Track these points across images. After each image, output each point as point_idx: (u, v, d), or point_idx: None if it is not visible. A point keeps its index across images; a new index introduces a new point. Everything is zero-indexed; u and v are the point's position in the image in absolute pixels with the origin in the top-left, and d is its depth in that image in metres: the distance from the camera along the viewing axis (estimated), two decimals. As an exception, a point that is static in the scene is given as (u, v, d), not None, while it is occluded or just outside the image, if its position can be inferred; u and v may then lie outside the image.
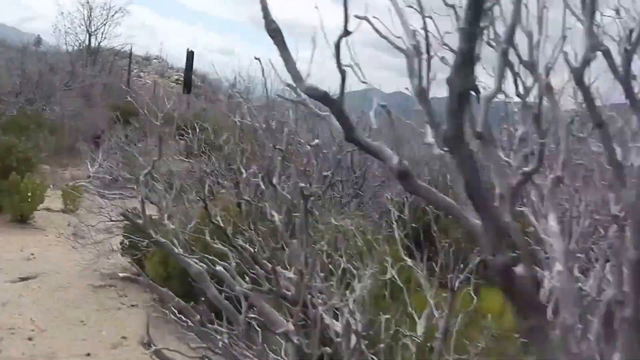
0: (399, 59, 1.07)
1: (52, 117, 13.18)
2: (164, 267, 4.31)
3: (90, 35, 24.47)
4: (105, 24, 24.59)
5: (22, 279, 4.96)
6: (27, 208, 6.59)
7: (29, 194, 6.59)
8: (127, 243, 5.38)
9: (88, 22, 24.18)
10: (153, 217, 6.17)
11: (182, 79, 34.97)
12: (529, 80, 1.35)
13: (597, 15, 1.19)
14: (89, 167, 11.18)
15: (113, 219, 6.04)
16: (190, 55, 24.72)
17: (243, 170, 2.88)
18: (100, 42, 24.88)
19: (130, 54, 26.10)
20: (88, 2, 23.84)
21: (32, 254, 5.66)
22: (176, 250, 2.18)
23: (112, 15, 24.53)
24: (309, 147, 3.13)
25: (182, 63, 27.92)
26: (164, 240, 2.28)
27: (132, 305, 4.69)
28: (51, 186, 8.24)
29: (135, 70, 31.83)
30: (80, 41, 24.13)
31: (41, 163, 10.72)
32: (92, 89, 18.08)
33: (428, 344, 2.10)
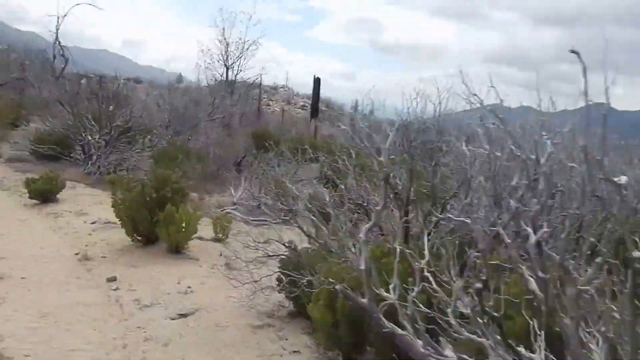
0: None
1: (197, 146, 14.36)
2: (332, 311, 3.98)
3: (227, 69, 27.36)
4: (240, 57, 27.40)
5: (181, 315, 5.01)
6: (182, 238, 6.85)
7: (184, 225, 6.85)
8: (284, 279, 5.24)
9: (225, 56, 27.31)
10: (310, 249, 6.09)
11: (307, 105, 37.81)
12: None
13: None
14: (233, 193, 11.77)
15: (268, 252, 6.03)
16: (317, 82, 26.39)
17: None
18: (237, 74, 27.86)
19: (260, 84, 29.21)
20: (225, 39, 26.80)
21: (189, 287, 5.76)
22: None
23: (247, 49, 27.39)
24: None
25: (306, 90, 31.63)
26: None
27: (295, 352, 4.44)
28: (203, 216, 8.61)
29: (264, 99, 35.04)
30: (219, 75, 27.21)
31: (189, 191, 11.53)
32: (231, 118, 19.54)
33: None
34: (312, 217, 5.81)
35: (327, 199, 5.69)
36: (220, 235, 8.14)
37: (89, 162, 12.29)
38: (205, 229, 8.09)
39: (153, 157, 12.14)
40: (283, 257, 5.80)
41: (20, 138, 15.62)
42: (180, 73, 36.47)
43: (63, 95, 14.20)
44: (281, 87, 48.86)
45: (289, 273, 5.12)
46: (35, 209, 9.18)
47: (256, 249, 6.02)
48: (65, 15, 28.64)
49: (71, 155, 14.01)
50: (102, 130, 12.79)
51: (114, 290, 5.43)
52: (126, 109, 13.77)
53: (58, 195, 9.72)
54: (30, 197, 9.47)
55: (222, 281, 6.04)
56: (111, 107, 12.94)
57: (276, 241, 6.29)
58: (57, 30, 29.03)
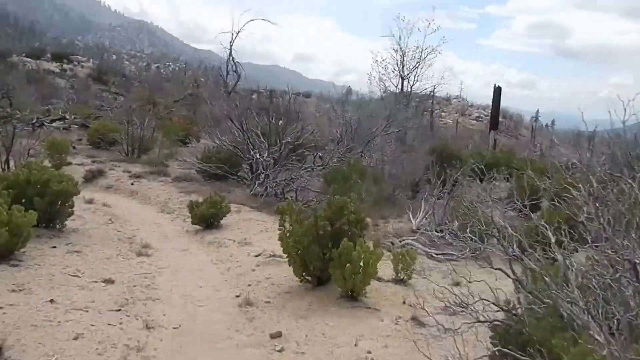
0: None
1: (370, 164, 13.73)
2: None
3: (402, 80, 26.76)
4: (417, 67, 26.70)
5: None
6: (360, 282, 5.97)
7: (361, 265, 5.97)
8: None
9: (401, 66, 26.69)
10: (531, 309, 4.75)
11: (482, 116, 36.48)
12: None
13: None
14: (412, 219, 10.77)
15: (467, 309, 4.85)
16: (497, 91, 24.95)
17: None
18: (412, 85, 27.36)
19: (433, 95, 29.26)
20: (400, 48, 26.32)
21: (369, 353, 4.82)
22: None
23: (424, 58, 26.94)
24: None
25: (481, 100, 29.95)
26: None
27: None
28: (383, 252, 7.74)
29: (436, 111, 34.44)
30: (393, 86, 26.84)
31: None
32: (406, 133, 18.66)
33: None
34: (523, 257, 4.55)
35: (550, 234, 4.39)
36: (403, 276, 7.15)
37: (256, 182, 12.24)
38: (383, 265, 7.16)
39: (324, 177, 11.69)
40: (496, 322, 4.59)
41: (189, 155, 16.55)
42: (349, 86, 37.13)
43: (233, 111, 14.60)
44: (454, 98, 47.77)
45: (512, 352, 3.88)
46: (197, 236, 9.14)
47: (449, 305, 4.86)
48: (239, 32, 30.81)
49: (238, 174, 14.30)
50: (271, 148, 12.74)
51: (279, 351, 4.69)
52: (297, 124, 13.66)
53: (222, 221, 9.61)
54: (194, 223, 9.50)
55: (409, 344, 5.00)
56: (281, 122, 12.85)
57: (482, 299, 5.09)
58: (231, 46, 31.26)
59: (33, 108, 22.83)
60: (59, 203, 8.17)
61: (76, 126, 23.93)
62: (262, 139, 13.74)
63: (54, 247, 7.52)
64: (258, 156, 12.35)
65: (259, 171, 12.65)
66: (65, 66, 62.40)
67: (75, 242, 7.90)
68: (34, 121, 21.14)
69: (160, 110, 21.03)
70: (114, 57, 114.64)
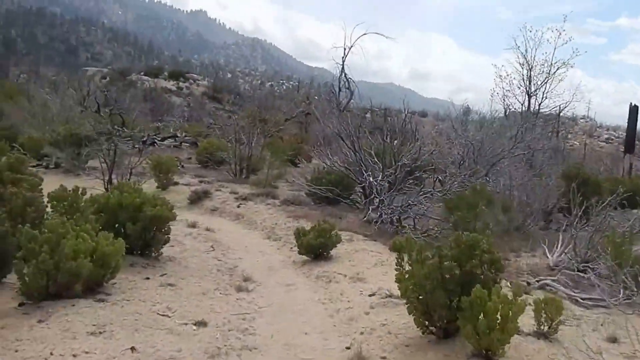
0: None
1: (496, 189, 12.70)
2: None
3: (529, 96, 25.23)
4: (546, 82, 25.47)
5: None
6: (498, 340, 5.14)
7: (498, 318, 5.14)
8: None
9: (527, 82, 25.20)
10: None
11: (612, 138, 34.29)
12: None
13: None
14: (548, 254, 9.64)
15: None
16: (633, 110, 22.90)
17: None
18: (540, 102, 25.86)
19: (559, 114, 27.19)
20: (527, 61, 24.80)
21: None
22: None
23: (553, 73, 25.38)
24: None
25: (611, 121, 27.83)
26: None
27: None
28: (509, 284, 6.86)
29: (562, 131, 32.68)
30: (519, 103, 25.67)
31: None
32: (533, 155, 17.30)
33: None
34: None
35: None
36: (547, 328, 6.18)
37: (370, 208, 11.68)
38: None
39: (446, 204, 10.88)
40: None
41: (298, 176, 16.37)
42: (467, 104, 35.91)
43: (345, 129, 14.20)
44: (582, 118, 44.73)
45: None
46: (304, 268, 8.70)
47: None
48: (351, 46, 30.74)
49: (350, 197, 13.83)
50: (385, 170, 12.15)
51: None
52: (413, 144, 12.99)
53: (332, 251, 9.11)
54: (300, 253, 9.09)
55: None
56: (396, 142, 12.23)
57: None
58: (343, 62, 31.26)
59: (145, 126, 24.03)
60: (154, 229, 8.06)
61: (187, 144, 24.85)
62: (375, 159, 13.21)
63: (147, 278, 7.28)
64: (372, 179, 11.78)
65: (372, 195, 12.09)
66: (181, 84, 65.97)
67: (170, 273, 7.69)
68: (144, 139, 22.17)
69: (270, 128, 21.20)
70: (229, 75, 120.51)
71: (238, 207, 13.10)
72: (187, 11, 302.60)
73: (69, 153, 16.52)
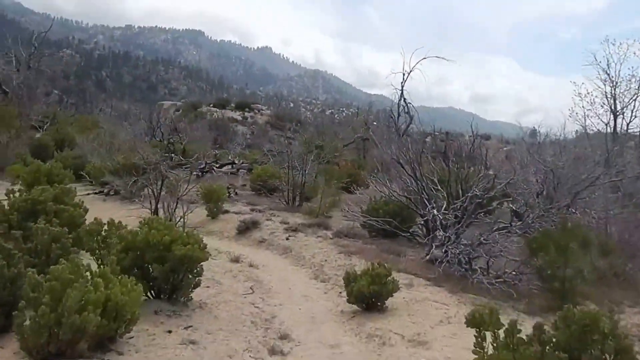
0: None
1: (588, 223, 10.26)
2: None
3: (615, 116, 22.05)
4: (635, 99, 22.05)
5: None
6: None
7: None
8: None
9: (612, 100, 22.01)
10: None
11: None
12: None
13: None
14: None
15: None
16: None
17: None
18: (630, 122, 22.54)
19: None
20: (610, 78, 21.71)
21: None
22: None
23: None
24: None
25: None
26: None
27: None
28: None
29: None
30: (603, 124, 22.37)
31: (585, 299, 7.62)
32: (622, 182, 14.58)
33: None
34: None
35: None
36: None
37: (433, 244, 9.59)
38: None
39: (528, 244, 8.64)
40: None
41: (354, 205, 14.43)
42: (534, 127, 32.92)
43: (404, 155, 12.21)
44: None
45: None
46: (353, 322, 6.71)
47: None
48: (411, 70, 28.72)
49: (411, 231, 11.81)
50: (451, 200, 10.06)
51: None
52: (484, 171, 10.87)
53: (388, 301, 7.07)
54: (350, 302, 7.10)
55: None
56: (464, 168, 10.14)
57: None
58: (402, 86, 29.25)
59: (203, 153, 22.75)
60: (183, 271, 6.32)
61: (244, 171, 23.36)
62: (439, 187, 11.17)
63: (169, 331, 5.63)
64: (435, 212, 9.69)
65: (436, 230, 10.01)
66: (246, 114, 66.59)
67: (197, 325, 5.95)
68: (202, 166, 20.84)
69: (326, 154, 19.47)
70: (292, 104, 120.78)
71: (287, 239, 11.25)
72: (253, 48, 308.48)
73: (126, 181, 15.28)
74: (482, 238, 8.85)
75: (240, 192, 17.62)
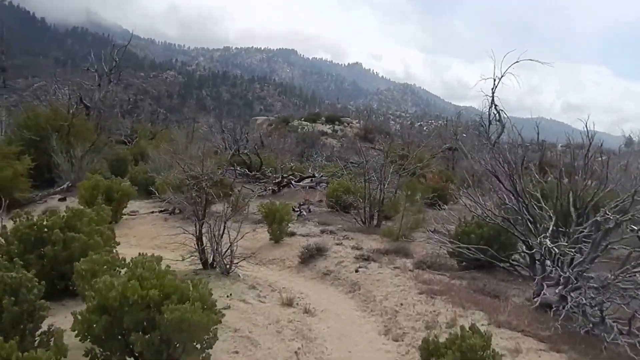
0: None
1: None
2: None
3: None
4: None
5: None
6: None
7: None
8: None
9: None
10: None
11: None
12: None
13: None
14: None
15: None
16: None
17: None
18: None
19: None
20: None
21: None
22: None
23: None
24: None
25: None
26: None
27: None
28: None
29: None
30: None
31: None
32: None
33: None
34: None
35: None
36: None
37: (544, 283, 6.97)
38: None
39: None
40: None
41: (440, 224, 11.91)
42: (629, 135, 28.99)
43: (500, 166, 9.62)
44: None
45: None
46: None
47: None
48: (502, 76, 25.52)
49: (511, 260, 9.19)
50: (567, 223, 7.38)
51: None
52: (606, 185, 8.07)
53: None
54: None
55: None
56: (586, 182, 7.43)
57: None
58: (493, 93, 26.06)
59: (282, 165, 20.98)
60: (183, 341, 4.23)
61: (324, 185, 21.33)
62: (543, 205, 8.56)
63: None
64: (548, 242, 7.05)
65: (544, 262, 7.39)
66: (336, 127, 65.45)
67: None
68: (278, 180, 19.04)
69: (410, 165, 17.03)
70: (381, 118, 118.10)
71: (356, 271, 8.95)
72: (344, 64, 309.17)
73: (187, 197, 13.65)
74: (619, 281, 6.11)
75: (314, 209, 15.54)
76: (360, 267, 9.04)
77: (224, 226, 8.13)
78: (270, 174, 19.73)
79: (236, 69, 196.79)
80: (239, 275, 7.59)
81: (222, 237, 7.93)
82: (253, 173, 20.13)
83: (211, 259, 7.83)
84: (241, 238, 7.84)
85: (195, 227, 8.27)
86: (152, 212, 14.13)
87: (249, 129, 35.47)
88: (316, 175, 21.92)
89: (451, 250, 9.65)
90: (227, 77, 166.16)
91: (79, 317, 3.87)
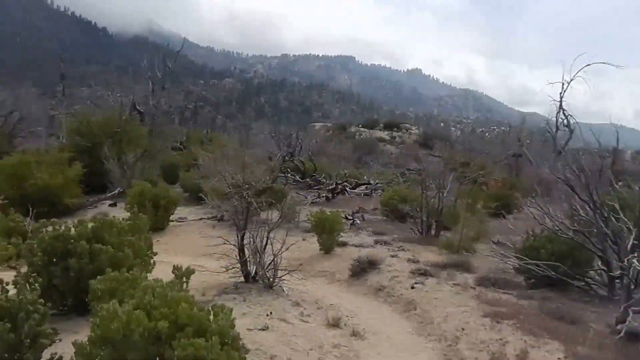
0: None
1: None
2: None
3: None
4: None
5: None
6: None
7: None
8: None
9: None
10: None
11: None
12: None
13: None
14: None
15: None
16: None
17: None
18: None
19: None
20: None
21: None
22: None
23: None
24: None
25: None
26: None
27: None
28: None
29: None
30: None
31: None
32: None
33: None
34: None
35: None
36: None
37: (629, 310, 6.02)
38: None
39: None
40: None
41: (505, 236, 10.97)
42: None
43: (574, 175, 8.64)
44: None
45: None
46: None
47: None
48: (572, 80, 23.98)
49: (586, 278, 8.20)
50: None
51: None
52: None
53: None
54: None
55: None
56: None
57: None
58: (561, 97, 24.55)
59: (335, 172, 20.36)
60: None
61: (380, 192, 20.58)
62: (619, 215, 7.55)
63: None
64: (636, 262, 6.10)
65: (624, 279, 6.42)
66: (394, 133, 64.62)
67: None
68: (332, 187, 18.46)
69: (471, 172, 16.03)
70: (441, 124, 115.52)
71: (412, 287, 8.17)
72: (403, 70, 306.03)
73: (231, 205, 13.22)
74: None
75: (368, 218, 14.85)
76: (416, 282, 8.27)
77: (267, 237, 7.57)
78: (324, 180, 19.15)
79: (294, 76, 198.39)
80: (282, 290, 7.02)
81: (264, 248, 7.38)
82: (305, 180, 19.62)
83: (253, 271, 7.31)
84: (286, 250, 7.25)
85: (237, 237, 7.74)
86: (201, 219, 13.85)
87: (305, 135, 35.16)
88: (371, 182, 21.19)
89: (518, 266, 8.73)
90: (284, 85, 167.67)
91: (80, 349, 3.38)
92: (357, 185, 20.82)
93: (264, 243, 7.35)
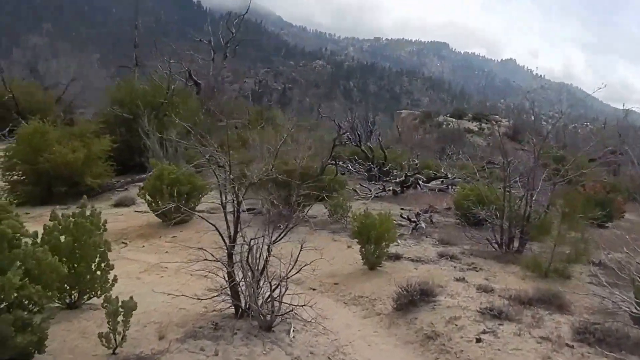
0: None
1: None
2: None
3: None
4: None
5: None
6: None
7: None
8: None
9: None
10: None
11: None
12: None
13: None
14: None
15: None
16: None
17: None
18: None
19: None
20: None
21: None
22: None
23: None
24: None
25: None
26: None
27: None
28: None
29: None
30: None
31: None
32: None
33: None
34: None
35: None
36: None
37: None
38: None
39: None
40: None
41: (611, 259, 8.08)
42: None
43: None
44: None
45: None
46: None
47: None
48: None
49: None
50: None
51: None
52: None
53: None
54: None
55: None
56: None
57: None
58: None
59: (407, 163, 17.68)
60: None
61: (455, 187, 17.72)
62: None
63: None
64: None
65: None
66: (483, 125, 60.79)
67: None
68: (401, 179, 15.89)
69: (569, 170, 12.91)
70: (532, 117, 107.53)
71: (478, 340, 5.63)
72: (497, 60, 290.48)
73: (274, 196, 10.79)
74: None
75: (438, 220, 12.22)
76: (485, 331, 5.69)
77: (268, 251, 5.26)
78: (392, 170, 16.65)
79: (385, 61, 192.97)
80: (287, 333, 4.77)
81: (262, 271, 5.09)
82: (370, 170, 17.16)
83: (245, 304, 5.03)
84: (297, 273, 4.99)
85: (228, 255, 5.44)
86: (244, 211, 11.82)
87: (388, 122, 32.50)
88: (449, 175, 18.36)
89: (636, 311, 5.94)
90: (375, 69, 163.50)
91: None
92: (432, 178, 18.13)
93: (259, 264, 5.05)
